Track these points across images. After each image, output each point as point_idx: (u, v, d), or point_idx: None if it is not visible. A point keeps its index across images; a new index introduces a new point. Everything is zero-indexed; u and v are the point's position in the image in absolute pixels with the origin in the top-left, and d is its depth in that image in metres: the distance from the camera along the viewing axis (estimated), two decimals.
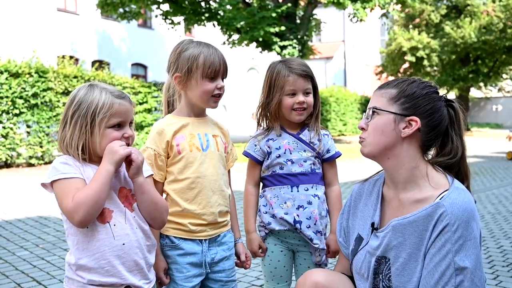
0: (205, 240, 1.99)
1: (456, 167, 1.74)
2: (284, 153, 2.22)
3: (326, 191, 2.29)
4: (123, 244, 1.64)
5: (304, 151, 2.23)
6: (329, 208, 2.28)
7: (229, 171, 2.17)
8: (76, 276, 1.63)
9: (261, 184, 2.33)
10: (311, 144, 2.23)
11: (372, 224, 1.80)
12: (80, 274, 1.62)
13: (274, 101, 2.21)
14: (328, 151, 2.28)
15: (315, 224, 2.19)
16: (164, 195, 2.01)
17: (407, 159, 1.71)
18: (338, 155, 2.31)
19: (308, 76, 2.21)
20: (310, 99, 2.21)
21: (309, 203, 2.20)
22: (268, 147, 2.24)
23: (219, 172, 2.02)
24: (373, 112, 1.74)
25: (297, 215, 2.18)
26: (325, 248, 2.24)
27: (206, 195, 1.97)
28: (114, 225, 1.64)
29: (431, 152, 1.79)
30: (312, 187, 2.22)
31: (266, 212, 2.26)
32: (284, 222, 2.20)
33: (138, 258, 1.68)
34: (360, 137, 1.80)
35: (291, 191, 2.21)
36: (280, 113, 2.24)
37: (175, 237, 1.97)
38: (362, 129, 1.78)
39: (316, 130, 2.26)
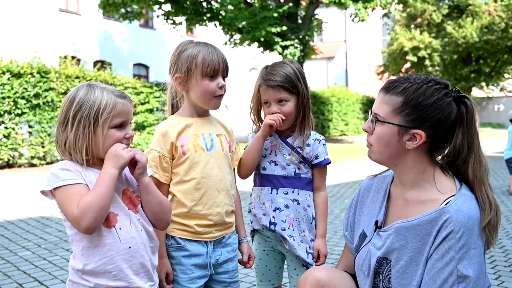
0: (210, 241, 1.99)
1: (464, 168, 1.68)
2: (270, 154, 2.23)
3: (313, 196, 2.27)
4: (130, 247, 1.62)
5: (289, 154, 2.21)
6: (315, 214, 2.26)
7: (234, 170, 2.17)
8: (82, 280, 1.61)
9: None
10: (297, 149, 2.21)
11: (376, 222, 1.79)
12: (87, 278, 1.60)
13: (255, 107, 2.26)
14: (316, 157, 2.23)
15: (288, 228, 2.19)
16: (170, 196, 2.00)
17: (414, 165, 1.69)
18: (326, 162, 2.25)
19: (279, 86, 2.12)
20: (286, 108, 2.15)
21: (286, 206, 2.20)
22: None
23: (225, 172, 2.02)
24: (377, 120, 1.71)
25: (273, 217, 2.20)
26: (302, 255, 2.20)
27: (212, 195, 1.97)
28: (120, 228, 1.62)
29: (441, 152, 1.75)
30: (292, 192, 2.21)
31: (250, 211, 2.30)
32: (261, 223, 2.22)
33: (144, 260, 1.67)
34: (367, 141, 1.78)
35: (271, 193, 2.21)
36: None
37: (180, 238, 1.96)
38: (366, 131, 1.77)
39: (301, 137, 2.20)
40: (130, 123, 1.70)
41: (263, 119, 2.24)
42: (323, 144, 2.27)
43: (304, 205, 2.23)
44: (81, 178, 1.59)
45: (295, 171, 2.21)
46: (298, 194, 2.22)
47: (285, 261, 2.35)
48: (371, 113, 1.75)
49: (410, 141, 1.66)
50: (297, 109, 2.18)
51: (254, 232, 2.33)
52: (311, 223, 2.24)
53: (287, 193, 2.21)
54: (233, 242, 2.08)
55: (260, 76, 2.20)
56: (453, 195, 1.62)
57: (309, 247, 2.23)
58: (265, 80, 2.16)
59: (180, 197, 1.95)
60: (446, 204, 1.60)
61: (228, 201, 2.03)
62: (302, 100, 2.19)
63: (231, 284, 2.07)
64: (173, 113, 2.09)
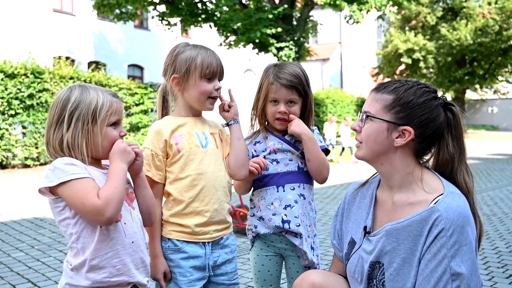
0: (208, 243, 1.99)
1: (458, 177, 1.71)
2: (269, 154, 2.22)
3: None
4: (133, 242, 1.66)
5: (289, 151, 2.22)
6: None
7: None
8: (80, 280, 1.59)
9: (252, 189, 2.32)
10: (295, 144, 2.22)
11: (365, 228, 1.79)
12: (87, 275, 1.59)
13: (259, 104, 2.23)
14: None
15: (302, 223, 2.17)
16: (165, 196, 2.01)
17: (400, 165, 1.71)
18: (323, 148, 2.24)
19: (293, 86, 2.15)
20: (294, 109, 2.18)
21: (296, 202, 2.18)
22: (254, 150, 2.25)
23: (221, 169, 2.02)
24: (367, 116, 1.73)
25: (285, 215, 2.17)
26: (307, 251, 2.18)
27: (209, 191, 1.97)
28: (125, 223, 1.65)
29: (428, 157, 1.78)
30: (298, 186, 2.20)
31: (253, 215, 2.25)
32: (271, 225, 2.17)
33: (143, 256, 1.71)
34: (356, 139, 1.79)
35: (277, 191, 2.19)
36: (266, 118, 2.25)
37: (178, 240, 1.95)
38: (355, 130, 1.78)
39: None
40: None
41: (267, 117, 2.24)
42: (317, 133, 2.28)
43: (309, 200, 2.24)
44: (88, 173, 1.59)
45: (298, 165, 2.22)
46: (304, 188, 2.22)
47: (284, 264, 2.31)
48: (361, 113, 1.77)
49: (399, 138, 1.68)
50: (301, 111, 2.22)
51: (255, 238, 2.28)
52: (314, 218, 2.25)
53: (293, 189, 2.19)
54: (231, 243, 2.08)
55: (271, 74, 2.19)
56: (441, 194, 1.63)
57: (313, 242, 2.23)
58: (279, 78, 2.16)
59: (176, 195, 1.95)
60: (435, 203, 1.61)
61: (225, 198, 2.03)
62: (311, 103, 2.25)
63: (230, 286, 2.07)
64: (163, 114, 2.10)
